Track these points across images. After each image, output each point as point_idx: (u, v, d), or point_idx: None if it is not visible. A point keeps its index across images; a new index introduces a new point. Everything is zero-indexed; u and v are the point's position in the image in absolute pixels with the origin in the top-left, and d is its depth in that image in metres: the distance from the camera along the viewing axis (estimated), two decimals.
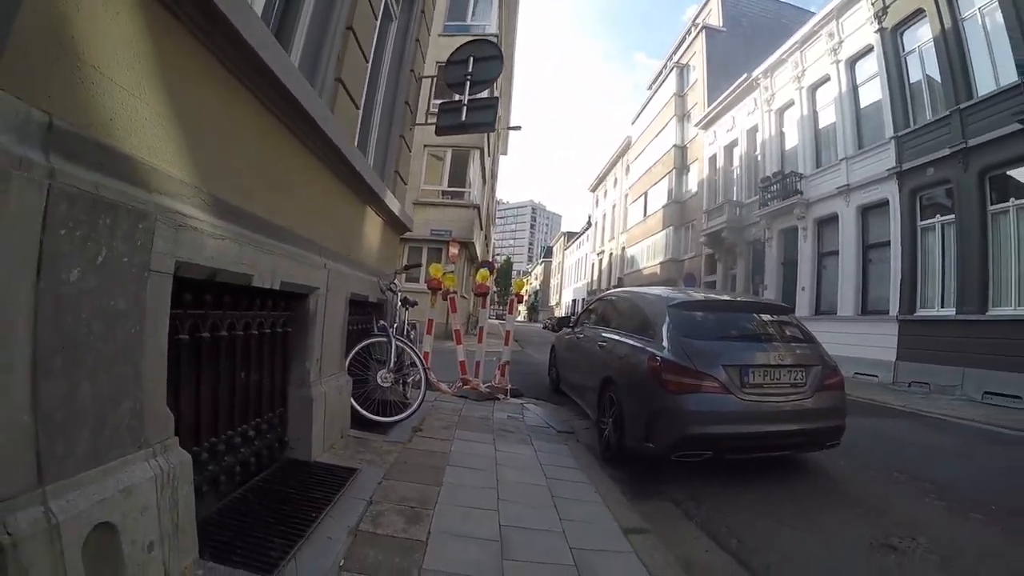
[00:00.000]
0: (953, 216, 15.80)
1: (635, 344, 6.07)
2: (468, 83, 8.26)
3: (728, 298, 7.30)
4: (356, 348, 5.81)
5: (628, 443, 5.58)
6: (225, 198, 2.98)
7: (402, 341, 6.33)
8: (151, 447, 2.35)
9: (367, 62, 5.95)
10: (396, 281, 6.74)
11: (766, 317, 6.31)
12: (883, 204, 18.67)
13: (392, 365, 6.01)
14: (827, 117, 22.62)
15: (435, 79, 9.75)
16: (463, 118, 8.20)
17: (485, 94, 8.57)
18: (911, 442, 8.02)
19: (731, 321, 6.08)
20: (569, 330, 9.51)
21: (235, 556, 2.70)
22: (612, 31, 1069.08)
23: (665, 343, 5.57)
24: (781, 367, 5.43)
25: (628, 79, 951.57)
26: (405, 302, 7.22)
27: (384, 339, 6.09)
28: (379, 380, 5.91)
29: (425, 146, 23.25)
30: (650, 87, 49.44)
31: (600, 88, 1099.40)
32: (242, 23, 2.75)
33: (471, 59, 8.38)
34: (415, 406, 6.06)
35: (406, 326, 7.29)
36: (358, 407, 5.61)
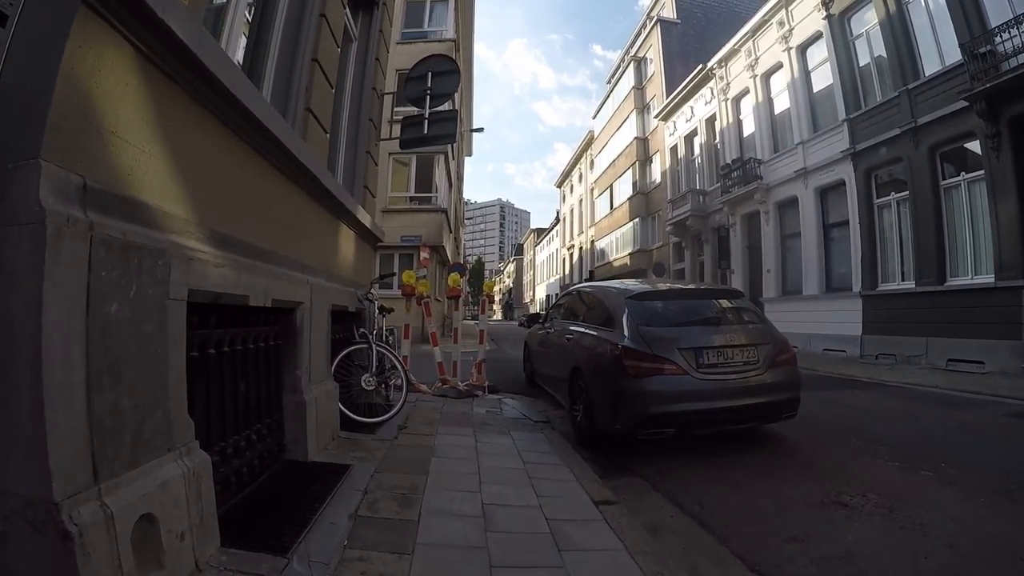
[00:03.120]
0: (907, 193, 16.45)
1: (599, 335, 6.52)
2: (428, 97, 8.65)
3: (683, 287, 7.81)
4: (340, 356, 6.19)
5: (598, 426, 6.04)
6: (222, 230, 3.37)
7: (382, 346, 6.74)
8: (177, 449, 2.74)
9: (332, 88, 6.31)
10: (372, 291, 7.12)
11: (719, 302, 6.83)
12: (840, 185, 19.30)
13: (374, 369, 6.41)
14: (782, 103, 23.24)
15: (396, 89, 10.11)
16: (426, 131, 8.59)
17: (445, 107, 8.96)
18: (870, 410, 8.49)
19: (686, 308, 6.56)
20: (540, 325, 10.05)
21: (252, 543, 3.07)
22: (569, 25, 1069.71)
23: (625, 332, 6.02)
24: (734, 347, 5.92)
25: (586, 71, 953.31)
26: (382, 309, 7.58)
27: (365, 345, 6.49)
28: (363, 384, 6.30)
29: (390, 154, 23.35)
30: (609, 81, 49.96)
31: (561, 81, 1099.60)
32: (230, 80, 3.16)
33: (429, 74, 8.79)
34: (398, 406, 6.47)
35: (384, 332, 7.67)
36: (345, 410, 5.99)
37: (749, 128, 25.78)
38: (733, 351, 5.90)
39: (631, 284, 7.64)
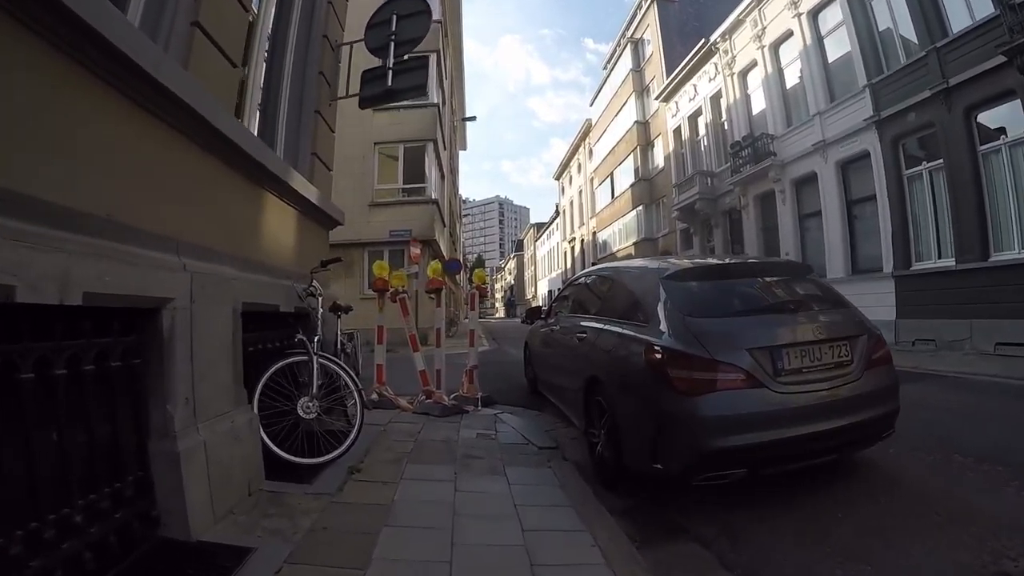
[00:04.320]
0: (941, 161, 14.88)
1: (624, 332, 4.77)
2: (392, 45, 6.89)
3: (732, 261, 5.97)
4: (268, 373, 4.47)
5: (629, 463, 4.28)
6: None
7: (327, 358, 4.94)
8: None
9: (247, 12, 4.70)
10: (315, 283, 5.32)
11: (784, 281, 5.03)
12: (864, 156, 17.75)
13: (316, 390, 4.65)
14: (794, 73, 21.69)
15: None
16: (389, 83, 6.83)
17: (413, 54, 7.19)
18: (943, 408, 6.94)
19: (744, 290, 4.75)
20: (543, 322, 8.19)
21: None
22: (560, 19, 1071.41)
23: (664, 327, 4.25)
24: (821, 343, 4.11)
25: (579, 66, 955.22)
26: (336, 308, 5.88)
27: (304, 357, 4.73)
28: (300, 411, 4.56)
29: (376, 144, 22.15)
30: (605, 67, 48.28)
31: (554, 77, 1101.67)
32: None
33: (394, 17, 6.99)
34: (349, 440, 4.67)
35: (339, 337, 5.94)
36: (276, 449, 4.30)
37: (758, 103, 24.21)
38: (820, 349, 4.10)
39: (660, 262, 5.74)
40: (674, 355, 3.96)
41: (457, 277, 35.63)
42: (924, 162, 15.69)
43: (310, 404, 4.59)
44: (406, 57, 7.03)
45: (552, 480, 4.61)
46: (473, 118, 35.29)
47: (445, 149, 27.40)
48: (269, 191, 4.97)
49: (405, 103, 22.06)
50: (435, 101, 22.49)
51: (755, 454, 3.80)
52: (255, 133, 5.39)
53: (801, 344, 4.06)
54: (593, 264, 46.48)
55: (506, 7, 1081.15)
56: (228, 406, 3.84)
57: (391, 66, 6.87)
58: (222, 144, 3.90)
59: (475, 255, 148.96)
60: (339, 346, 5.87)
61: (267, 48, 5.91)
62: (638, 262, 6.53)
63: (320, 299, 5.30)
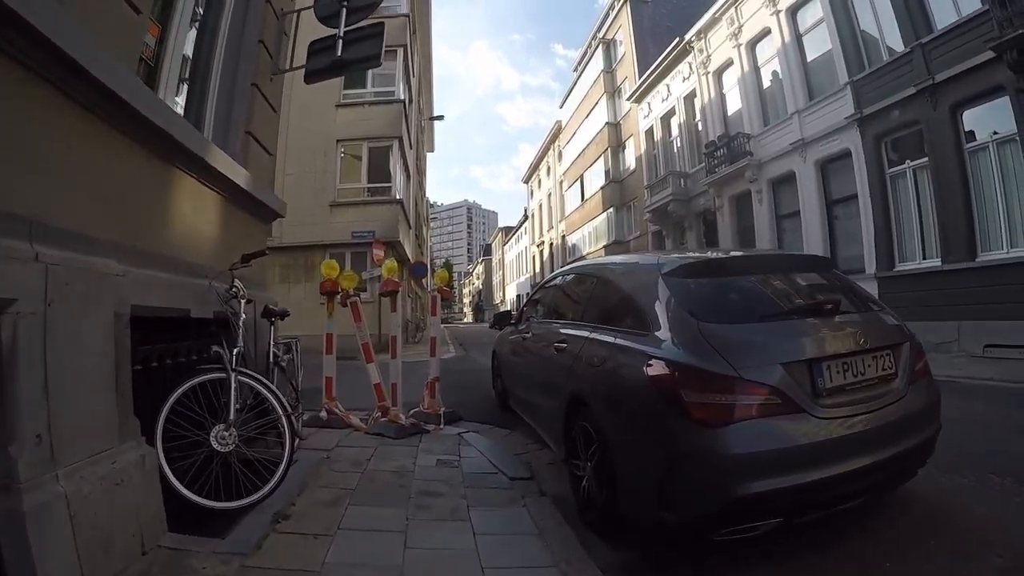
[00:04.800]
0: (926, 159, 14.54)
1: (617, 343, 3.83)
2: (344, 11, 5.99)
3: (745, 253, 5.05)
4: (173, 395, 3.55)
5: (627, 510, 3.37)
6: None
7: (248, 375, 4.01)
8: None
9: None
10: (238, 283, 4.36)
11: (808, 277, 4.18)
12: (845, 156, 17.39)
13: (233, 415, 3.71)
14: (771, 72, 21.42)
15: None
16: (339, 53, 5.92)
17: (368, 23, 6.29)
18: (953, 420, 6.00)
19: (766, 289, 3.86)
20: (512, 328, 7.31)
21: None
22: (530, 25, 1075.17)
23: (670, 335, 3.35)
24: (863, 353, 3.27)
25: (548, 71, 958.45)
26: (269, 313, 4.98)
27: (222, 375, 3.82)
28: (214, 442, 3.64)
29: (338, 141, 21.27)
30: (576, 69, 47.51)
31: (524, 82, 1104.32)
32: None
33: None
34: (275, 478, 3.72)
35: (272, 348, 5.01)
36: (182, 489, 3.39)
37: (734, 102, 23.82)
38: (864, 360, 3.28)
39: (654, 255, 4.81)
40: (689, 372, 3.06)
41: (424, 281, 34.68)
42: (908, 160, 15.30)
43: (226, 433, 3.67)
44: (360, 25, 6.12)
45: (528, 525, 3.72)
46: (441, 117, 34.36)
47: (411, 148, 26.48)
48: (180, 169, 4.07)
49: (370, 98, 21.28)
50: (401, 97, 21.61)
51: (794, 499, 2.94)
52: (181, 104, 4.72)
53: (843, 356, 3.22)
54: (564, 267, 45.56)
55: (476, 12, 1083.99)
56: (108, 442, 2.93)
57: (341, 35, 5.97)
58: (103, 99, 3.00)
59: (443, 260, 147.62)
60: (272, 358, 4.96)
61: (200, 10, 5.11)
62: (627, 257, 5.67)
63: (243, 302, 4.33)
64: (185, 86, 5.00)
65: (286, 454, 3.82)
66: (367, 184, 21.31)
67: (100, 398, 2.91)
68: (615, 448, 3.50)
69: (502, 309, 76.44)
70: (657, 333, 3.45)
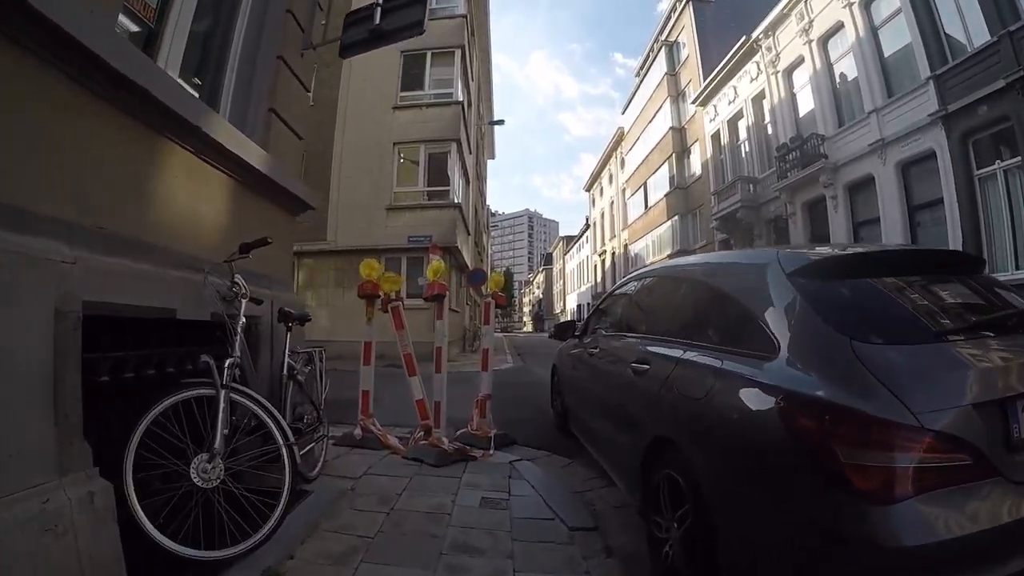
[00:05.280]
0: (1020, 159, 13.29)
1: (726, 368, 2.76)
2: None
3: (887, 248, 4.04)
4: (149, 416, 2.79)
5: None
6: None
7: (242, 392, 3.19)
8: None
9: None
10: (239, 279, 3.59)
11: (970, 281, 2.96)
12: (928, 157, 16.09)
13: (219, 442, 2.93)
14: (846, 69, 20.24)
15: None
16: (377, 22, 5.19)
17: None
18: None
19: (930, 296, 2.78)
20: (576, 341, 6.34)
21: None
22: (589, 34, 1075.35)
23: (808, 359, 2.37)
24: None
25: (608, 80, 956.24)
26: (285, 317, 4.22)
27: (210, 391, 3.05)
28: (195, 476, 2.88)
29: (395, 144, 20.59)
30: (637, 74, 46.57)
31: (584, 91, 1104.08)
32: None
33: None
34: (269, 524, 2.94)
35: (286, 359, 4.24)
36: (154, 532, 2.66)
37: (806, 103, 22.62)
38: None
39: (769, 250, 3.93)
40: (847, 417, 2.05)
41: (483, 288, 33.64)
42: (998, 160, 14.08)
43: (209, 465, 2.90)
44: None
45: None
46: (501, 121, 33.53)
47: (471, 153, 25.81)
48: (173, 141, 3.33)
49: (428, 100, 20.66)
50: (459, 99, 20.90)
51: None
52: (192, 78, 4.12)
53: None
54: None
55: (535, 23, 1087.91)
56: (38, 475, 2.18)
57: (381, 1, 5.24)
58: (60, 46, 2.29)
59: (503, 268, 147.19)
60: (287, 371, 4.18)
61: None
62: (729, 254, 4.43)
63: (244, 301, 3.56)
64: (198, 53, 4.32)
65: (284, 493, 3.03)
66: (425, 188, 20.63)
67: (28, 418, 2.18)
68: (719, 515, 2.53)
69: (563, 319, 75.03)
70: (786, 356, 2.44)
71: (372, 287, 6.17)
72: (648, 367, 3.50)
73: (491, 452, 5.65)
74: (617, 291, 5.87)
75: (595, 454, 4.90)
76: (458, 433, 6.11)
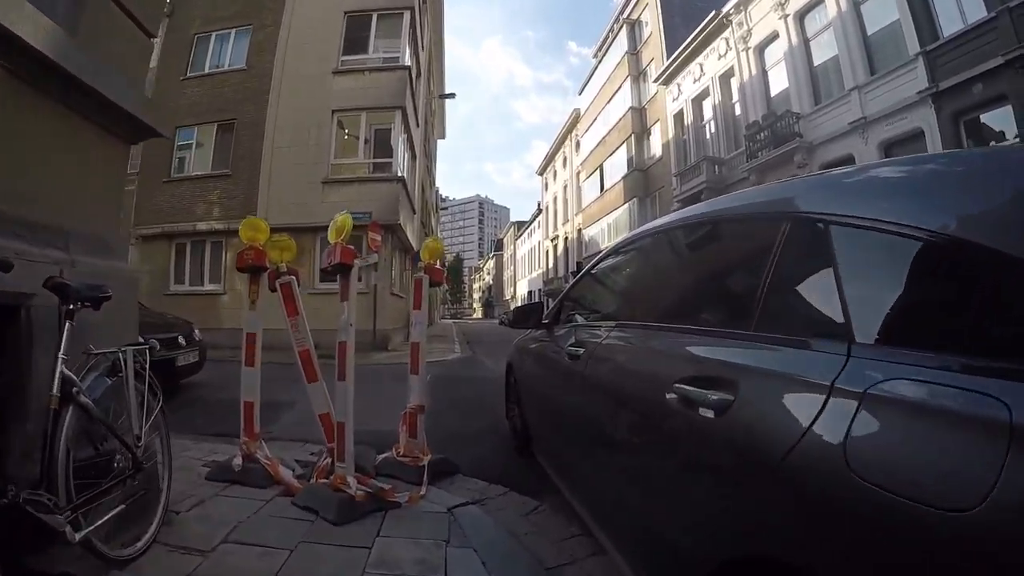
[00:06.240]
0: (1017, 140, 12.47)
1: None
2: None
3: None
4: None
5: None
6: None
7: None
8: None
9: None
10: None
11: None
12: (916, 136, 15.23)
13: None
14: (824, 46, 19.31)
15: None
16: None
17: None
18: None
19: None
20: (542, 333, 4.55)
21: None
22: (544, 22, 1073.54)
23: None
24: None
25: (562, 69, 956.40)
26: (62, 293, 2.44)
27: None
28: None
29: (334, 111, 18.78)
30: (596, 55, 44.80)
31: (538, 79, 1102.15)
32: None
33: None
34: None
35: (60, 369, 2.35)
36: None
37: (779, 81, 21.69)
38: None
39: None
40: None
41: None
42: (992, 142, 13.25)
43: None
44: None
45: None
46: (452, 95, 31.37)
47: (418, 126, 23.93)
48: None
49: (373, 64, 18.86)
50: (407, 63, 19.04)
51: None
52: None
53: None
54: (578, 263, 41.97)
55: (490, 9, 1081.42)
56: None
57: None
58: None
59: (453, 255, 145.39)
60: (59, 390, 2.34)
61: None
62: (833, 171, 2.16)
63: None
64: None
65: None
66: (365, 159, 18.86)
67: None
68: None
69: (512, 305, 72.43)
70: None
71: (256, 256, 4.39)
72: (726, 400, 1.67)
73: (422, 491, 3.89)
74: (614, 256, 3.94)
75: (576, 503, 3.16)
76: (379, 459, 4.46)
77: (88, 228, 3.07)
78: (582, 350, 3.20)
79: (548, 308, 4.77)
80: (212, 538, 3.10)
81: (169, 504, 3.26)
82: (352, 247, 4.15)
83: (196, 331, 8.84)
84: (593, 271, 4.23)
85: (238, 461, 4.20)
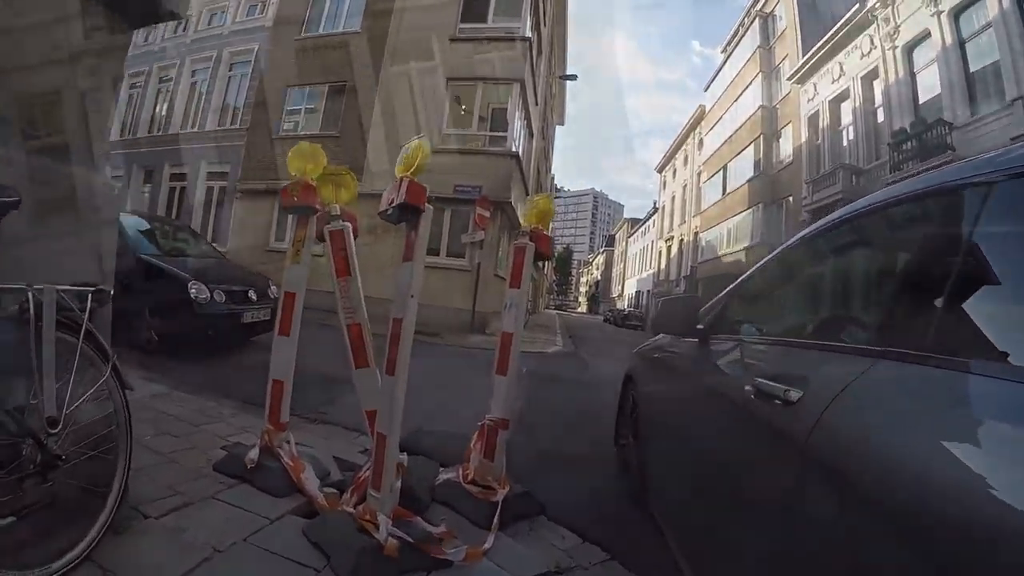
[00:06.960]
0: None
1: None
2: None
3: None
4: None
5: None
6: None
7: None
8: None
9: None
10: None
11: None
12: None
13: None
14: (983, 46, 17.10)
15: None
16: None
17: None
18: None
19: None
20: (694, 344, 2.96)
21: None
22: (668, 18, 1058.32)
23: None
24: None
25: (684, 67, 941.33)
26: None
27: None
28: None
29: (449, 80, 17.94)
30: (724, 50, 42.46)
31: (659, 76, 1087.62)
32: None
33: None
34: None
35: None
36: None
37: (928, 85, 19.40)
38: None
39: None
40: None
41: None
42: None
43: None
44: None
45: None
46: (574, 76, 29.91)
47: (536, 105, 22.85)
48: None
49: (490, 34, 17.87)
50: (527, 35, 17.97)
51: None
52: None
53: None
54: (692, 267, 39.85)
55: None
56: None
57: None
58: None
59: (564, 246, 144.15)
60: None
61: None
62: None
63: None
64: None
65: None
66: (479, 131, 18.02)
67: None
68: None
69: (619, 304, 70.54)
70: None
71: (304, 192, 3.32)
72: None
73: (487, 543, 2.73)
74: (848, 228, 2.18)
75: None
76: (440, 479, 3.35)
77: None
78: (798, 393, 1.64)
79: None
80: (165, 571, 2.07)
81: (134, 503, 2.38)
82: (425, 185, 2.86)
83: (272, 287, 8.24)
84: (799, 253, 2.66)
85: (254, 454, 3.19)
